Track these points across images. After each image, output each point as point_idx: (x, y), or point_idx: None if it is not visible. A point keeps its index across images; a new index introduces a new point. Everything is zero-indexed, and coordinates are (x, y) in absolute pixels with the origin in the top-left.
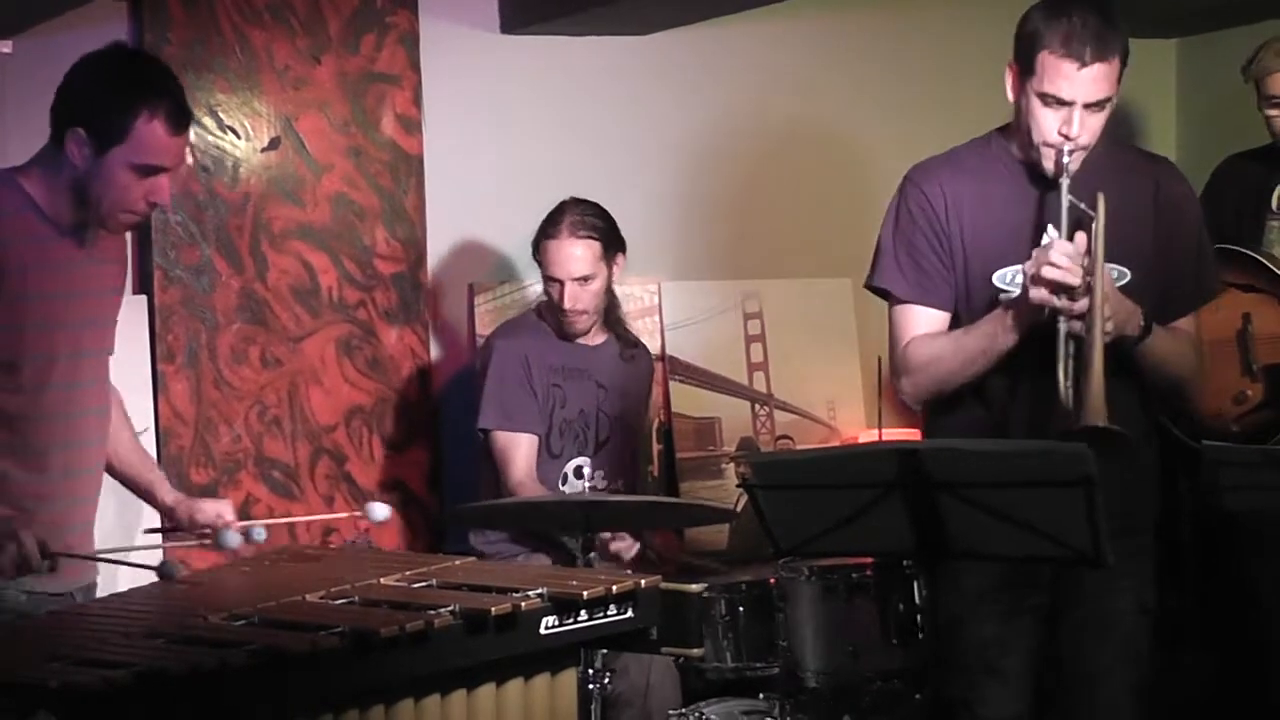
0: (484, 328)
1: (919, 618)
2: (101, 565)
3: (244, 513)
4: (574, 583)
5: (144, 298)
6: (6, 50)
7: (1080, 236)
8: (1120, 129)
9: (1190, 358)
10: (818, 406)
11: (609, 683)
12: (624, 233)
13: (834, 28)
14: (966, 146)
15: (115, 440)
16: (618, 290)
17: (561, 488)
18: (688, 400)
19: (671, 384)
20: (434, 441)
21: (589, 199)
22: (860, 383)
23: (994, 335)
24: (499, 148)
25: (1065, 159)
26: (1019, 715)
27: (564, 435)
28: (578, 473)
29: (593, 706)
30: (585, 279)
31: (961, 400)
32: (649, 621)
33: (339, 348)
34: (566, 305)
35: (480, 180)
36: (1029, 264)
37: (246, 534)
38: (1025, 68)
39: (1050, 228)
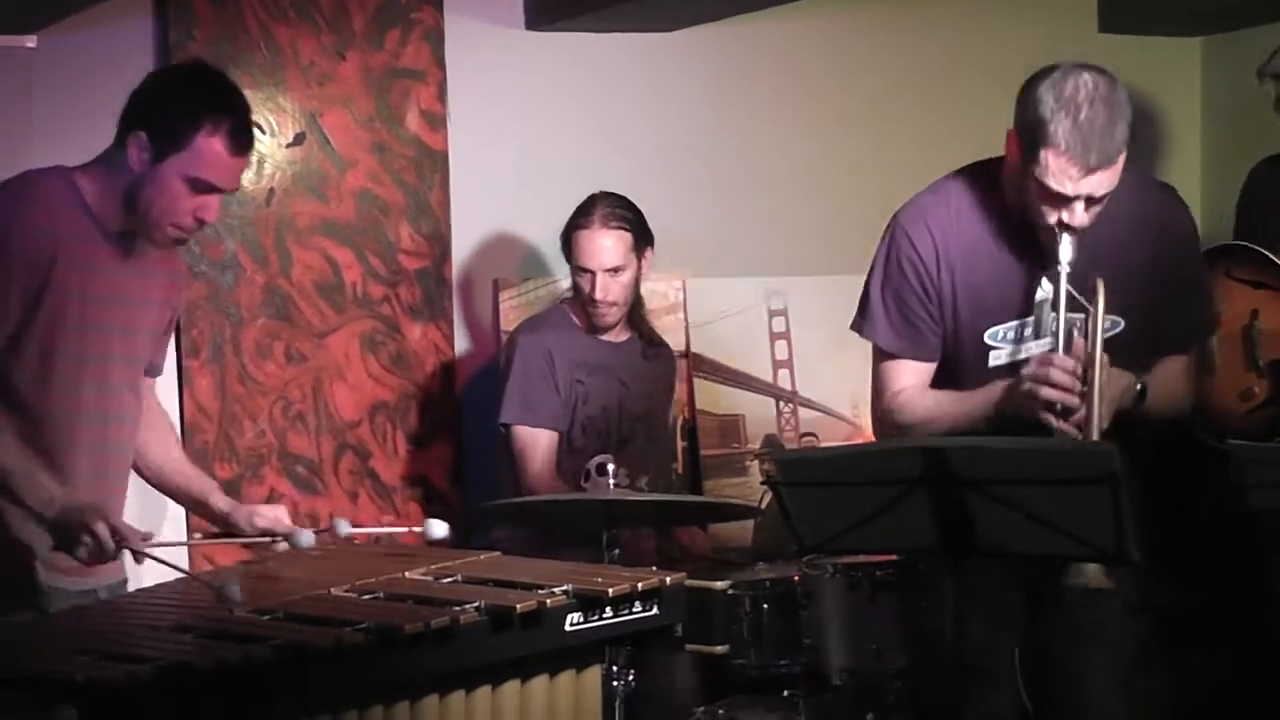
0: (508, 323)
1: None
2: (128, 563)
3: None
4: (599, 579)
5: None
6: (31, 45)
7: (1078, 342)
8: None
9: (1182, 396)
10: (842, 404)
11: (633, 680)
12: (649, 229)
13: (859, 24)
14: (959, 186)
15: (164, 457)
16: (643, 287)
17: (583, 484)
18: (712, 397)
19: (696, 381)
20: (458, 437)
21: (618, 193)
22: None
23: (980, 421)
24: (524, 144)
25: (1063, 248)
26: (1008, 718)
27: (586, 432)
28: (600, 469)
29: (617, 704)
30: (616, 270)
31: None
32: (674, 619)
33: (363, 343)
34: (598, 296)
35: (505, 176)
36: (1027, 377)
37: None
38: (1027, 150)
39: (1045, 281)
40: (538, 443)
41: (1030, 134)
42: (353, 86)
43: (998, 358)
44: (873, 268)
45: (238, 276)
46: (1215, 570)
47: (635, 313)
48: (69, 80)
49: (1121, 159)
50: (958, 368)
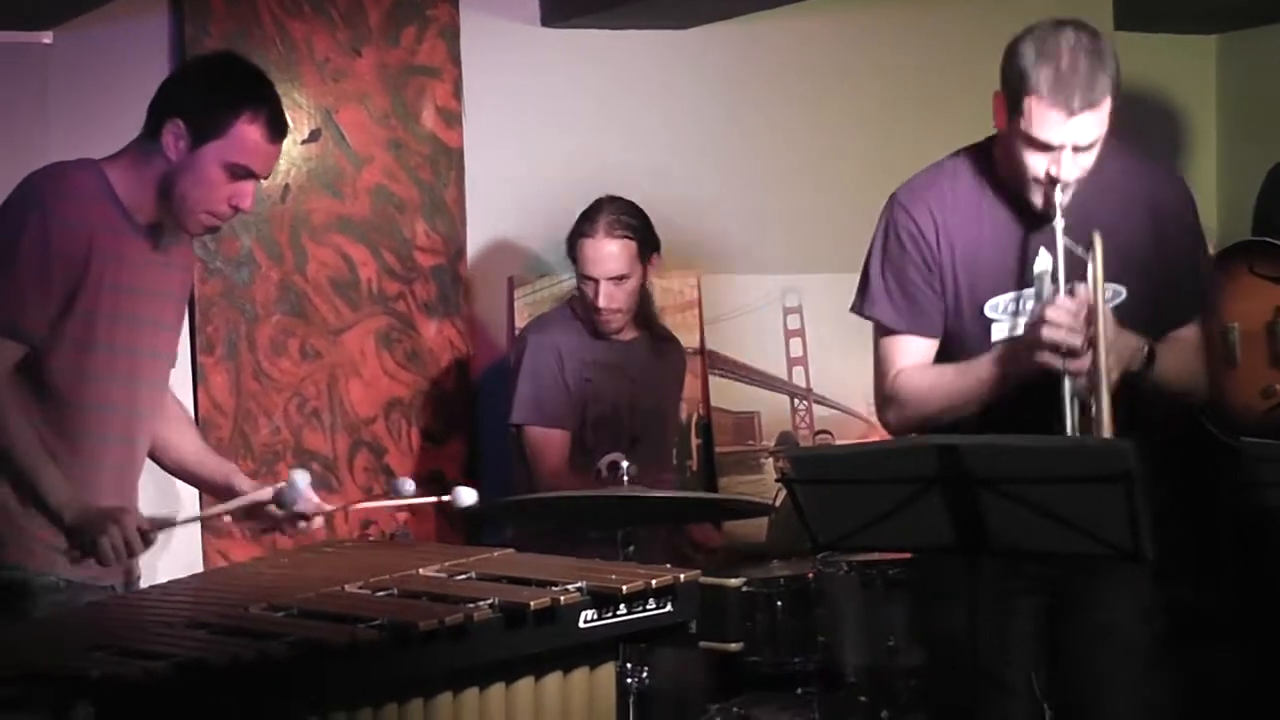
0: (523, 321)
1: None
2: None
3: None
4: (613, 577)
5: None
6: (47, 41)
7: (1079, 290)
8: (1160, 126)
9: (1195, 369)
10: (857, 401)
11: (647, 677)
12: (664, 227)
13: (872, 23)
14: (955, 163)
15: (182, 447)
16: (657, 284)
17: (595, 482)
18: (727, 394)
19: (711, 378)
20: (472, 434)
21: (625, 197)
22: None
23: (985, 385)
24: (539, 141)
25: (1057, 196)
26: None
27: (597, 430)
28: (612, 467)
29: (631, 701)
30: (620, 278)
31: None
32: (687, 616)
33: (378, 340)
34: (601, 304)
35: (521, 173)
36: (1027, 324)
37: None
38: (1012, 105)
39: (1043, 250)
40: (550, 442)
41: (1013, 87)
42: (368, 83)
43: (999, 331)
44: (871, 247)
45: (253, 273)
46: (1229, 568)
47: (643, 309)
48: (85, 76)
49: (1107, 105)
50: (960, 344)
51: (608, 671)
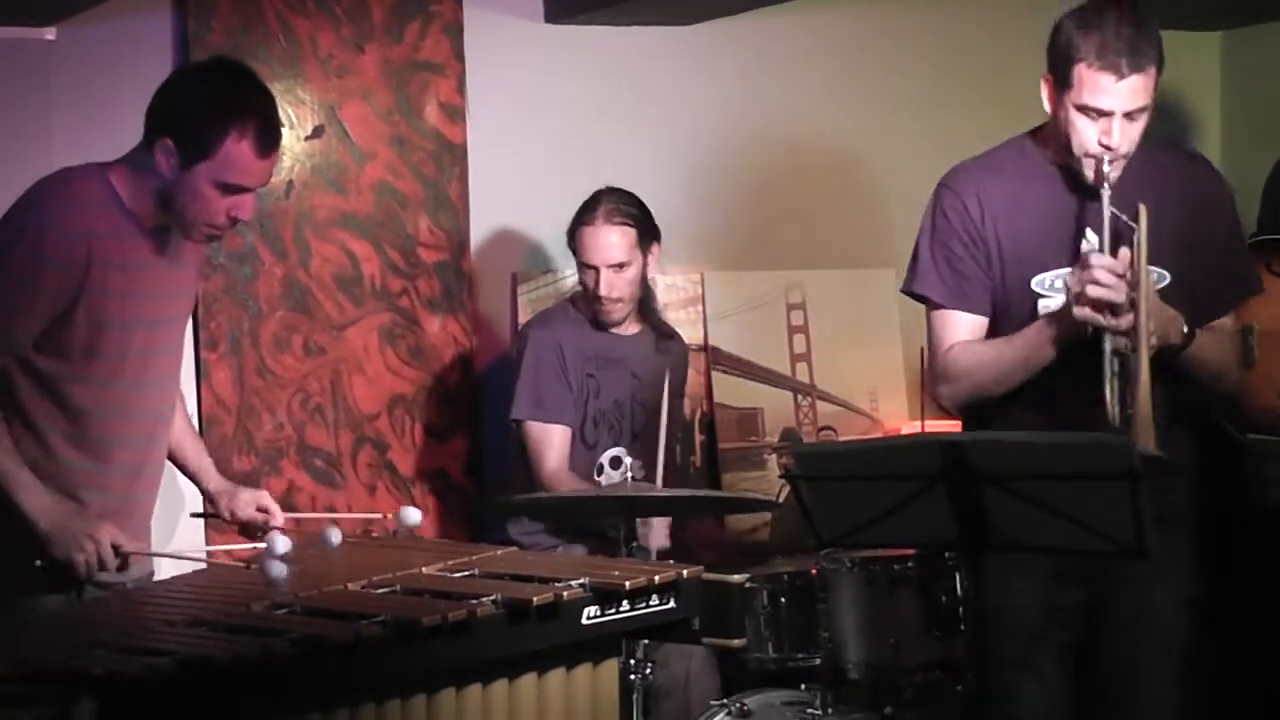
0: (526, 317)
1: (961, 609)
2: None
3: (287, 502)
4: (616, 573)
5: None
6: (50, 37)
7: (1123, 251)
8: (1164, 123)
9: (1230, 356)
10: (860, 398)
11: (650, 673)
12: (667, 222)
13: (876, 19)
14: (1000, 150)
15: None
16: (660, 280)
17: (597, 478)
18: (730, 391)
19: (714, 374)
20: (475, 430)
21: (625, 188)
22: (903, 374)
23: (1034, 348)
24: (543, 137)
25: (1106, 168)
26: (1055, 708)
27: (599, 425)
28: (614, 463)
29: (634, 697)
30: (620, 266)
31: (1004, 410)
32: (691, 612)
33: (381, 336)
34: (602, 292)
35: (524, 169)
36: (1071, 279)
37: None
38: (1061, 80)
39: (1089, 232)
40: (551, 438)
41: (1062, 61)
42: (372, 79)
43: (1046, 307)
44: (920, 230)
45: (256, 269)
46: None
47: (646, 305)
48: (88, 72)
49: (1153, 73)
50: (1009, 319)
51: (611, 668)
